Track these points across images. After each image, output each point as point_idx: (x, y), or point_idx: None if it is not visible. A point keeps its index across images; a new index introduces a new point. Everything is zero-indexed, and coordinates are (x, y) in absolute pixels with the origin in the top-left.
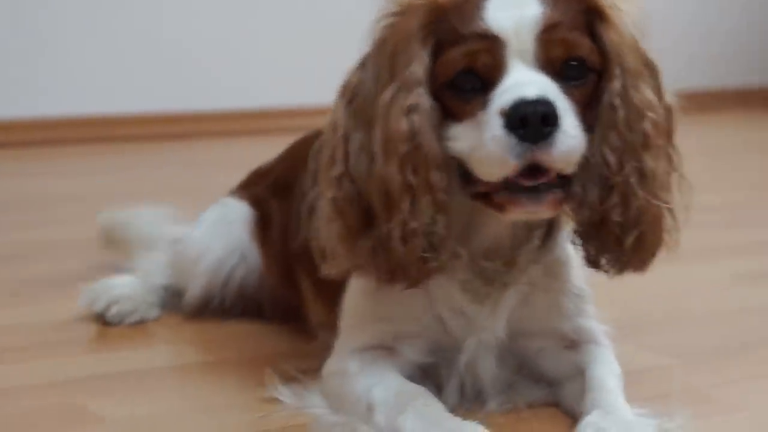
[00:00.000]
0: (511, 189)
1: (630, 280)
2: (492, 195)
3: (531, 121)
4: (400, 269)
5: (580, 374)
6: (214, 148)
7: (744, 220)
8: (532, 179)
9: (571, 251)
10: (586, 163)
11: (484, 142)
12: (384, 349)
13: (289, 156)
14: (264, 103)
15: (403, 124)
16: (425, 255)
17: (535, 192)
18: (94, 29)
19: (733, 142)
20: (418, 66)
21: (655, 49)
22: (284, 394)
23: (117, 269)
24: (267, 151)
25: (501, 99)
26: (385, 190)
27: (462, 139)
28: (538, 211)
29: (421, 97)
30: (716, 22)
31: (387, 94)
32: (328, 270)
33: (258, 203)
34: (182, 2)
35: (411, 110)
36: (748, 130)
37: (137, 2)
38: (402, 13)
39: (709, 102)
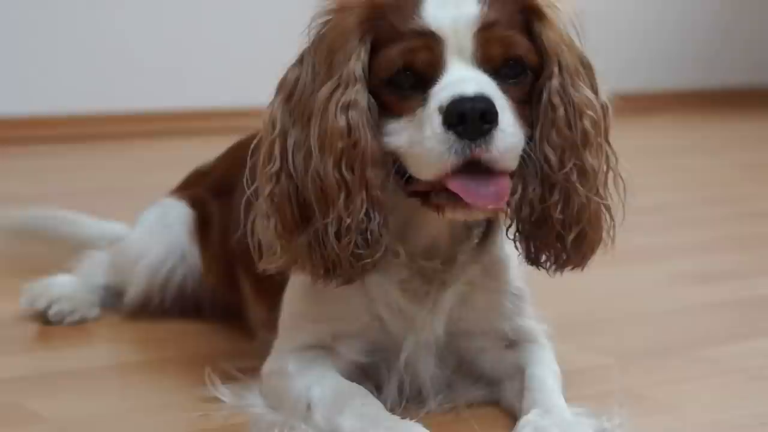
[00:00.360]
0: (452, 195)
1: (569, 280)
2: (430, 195)
3: (469, 118)
4: (335, 265)
5: (519, 373)
6: (155, 148)
7: (681, 222)
8: (478, 197)
9: (509, 251)
10: (526, 161)
11: (423, 139)
12: (323, 349)
13: (229, 157)
14: (205, 104)
15: (340, 121)
16: (359, 251)
17: None
18: (36, 30)
19: (672, 143)
20: (356, 63)
21: (594, 50)
22: (224, 393)
23: (58, 269)
24: (207, 151)
25: (439, 96)
26: (321, 186)
27: (400, 134)
28: (477, 214)
29: (359, 94)
30: (654, 25)
31: (324, 91)
32: (265, 265)
33: (197, 204)
34: (126, 3)
35: (348, 107)
36: (685, 132)
37: (81, 3)
38: (340, 10)
39: (647, 104)
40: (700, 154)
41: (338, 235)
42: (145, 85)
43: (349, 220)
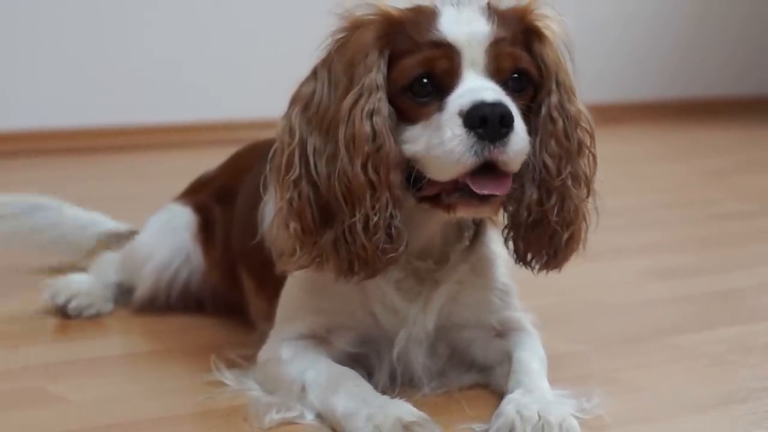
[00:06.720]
0: (465, 193)
1: (544, 276)
2: (440, 197)
3: (490, 121)
4: (361, 261)
5: (508, 359)
6: (159, 160)
7: (647, 223)
8: (490, 188)
9: (496, 250)
10: (525, 167)
11: (443, 141)
12: (316, 339)
13: (231, 164)
14: (205, 117)
15: (365, 127)
16: (385, 246)
17: (486, 197)
18: (46, 42)
19: (637, 151)
20: (377, 74)
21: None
22: (227, 377)
23: (73, 268)
24: (206, 161)
25: (459, 101)
26: (349, 186)
27: (417, 141)
28: (485, 211)
29: (381, 102)
30: (619, 41)
31: (349, 100)
32: (285, 266)
33: (201, 209)
34: (136, 18)
35: (372, 114)
36: (649, 141)
37: (94, 16)
38: (355, 27)
39: (614, 114)
40: (663, 161)
41: (366, 232)
42: (145, 99)
43: (376, 218)
